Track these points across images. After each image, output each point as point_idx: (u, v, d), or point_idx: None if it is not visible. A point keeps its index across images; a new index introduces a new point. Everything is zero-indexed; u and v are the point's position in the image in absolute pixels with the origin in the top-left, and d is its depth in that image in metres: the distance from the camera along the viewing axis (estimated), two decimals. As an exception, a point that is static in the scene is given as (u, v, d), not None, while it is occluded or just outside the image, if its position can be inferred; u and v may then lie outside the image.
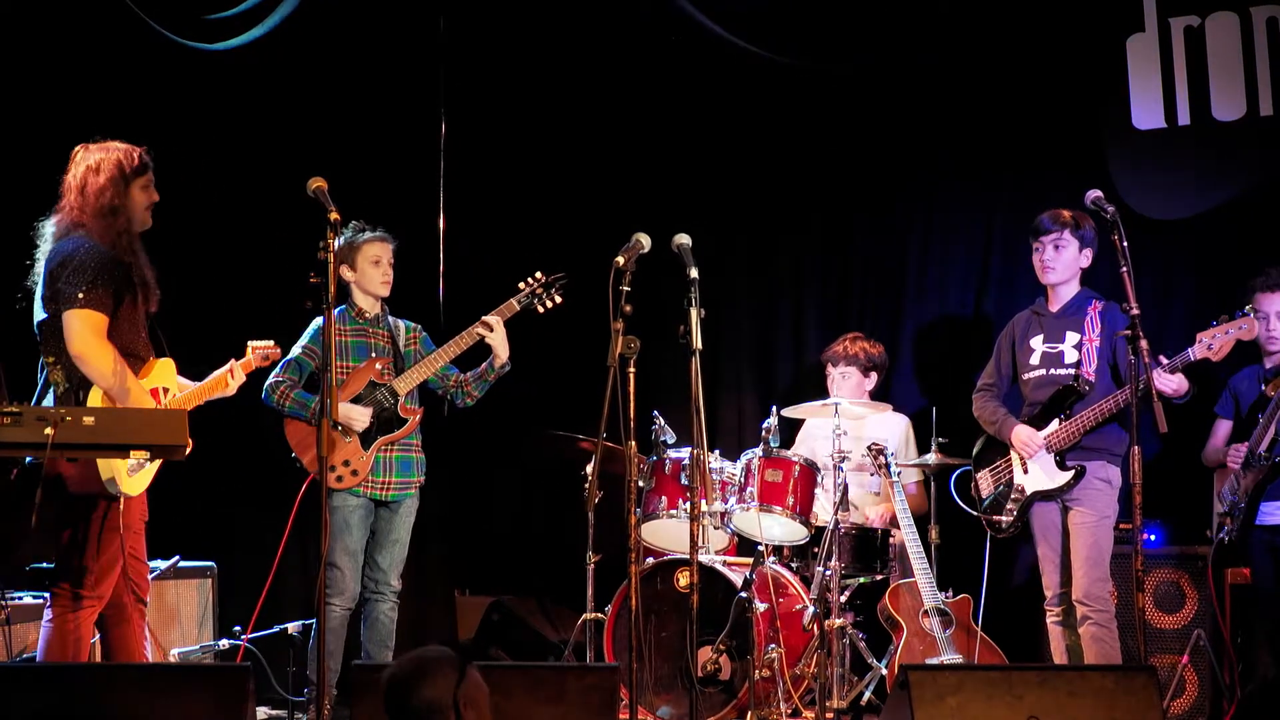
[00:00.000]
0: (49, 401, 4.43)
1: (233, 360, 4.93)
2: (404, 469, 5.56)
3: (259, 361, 5.03)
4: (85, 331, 4.29)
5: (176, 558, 5.63)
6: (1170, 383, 5.15)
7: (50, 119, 5.86)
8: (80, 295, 4.29)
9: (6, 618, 4.90)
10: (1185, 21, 6.24)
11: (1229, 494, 5.47)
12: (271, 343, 5.14)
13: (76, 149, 4.56)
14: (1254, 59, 6.14)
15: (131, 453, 4.07)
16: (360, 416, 5.41)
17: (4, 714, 3.70)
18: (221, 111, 6.44)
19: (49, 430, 3.84)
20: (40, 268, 4.46)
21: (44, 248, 4.48)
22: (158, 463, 4.46)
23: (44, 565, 5.17)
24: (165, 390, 4.58)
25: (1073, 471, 5.40)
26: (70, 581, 4.37)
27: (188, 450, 4.48)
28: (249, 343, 5.10)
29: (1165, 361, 5.17)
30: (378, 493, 5.51)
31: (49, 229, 4.49)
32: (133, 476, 4.39)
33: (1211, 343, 5.17)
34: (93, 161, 4.50)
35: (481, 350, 5.63)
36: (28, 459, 4.32)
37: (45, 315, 4.41)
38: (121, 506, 4.37)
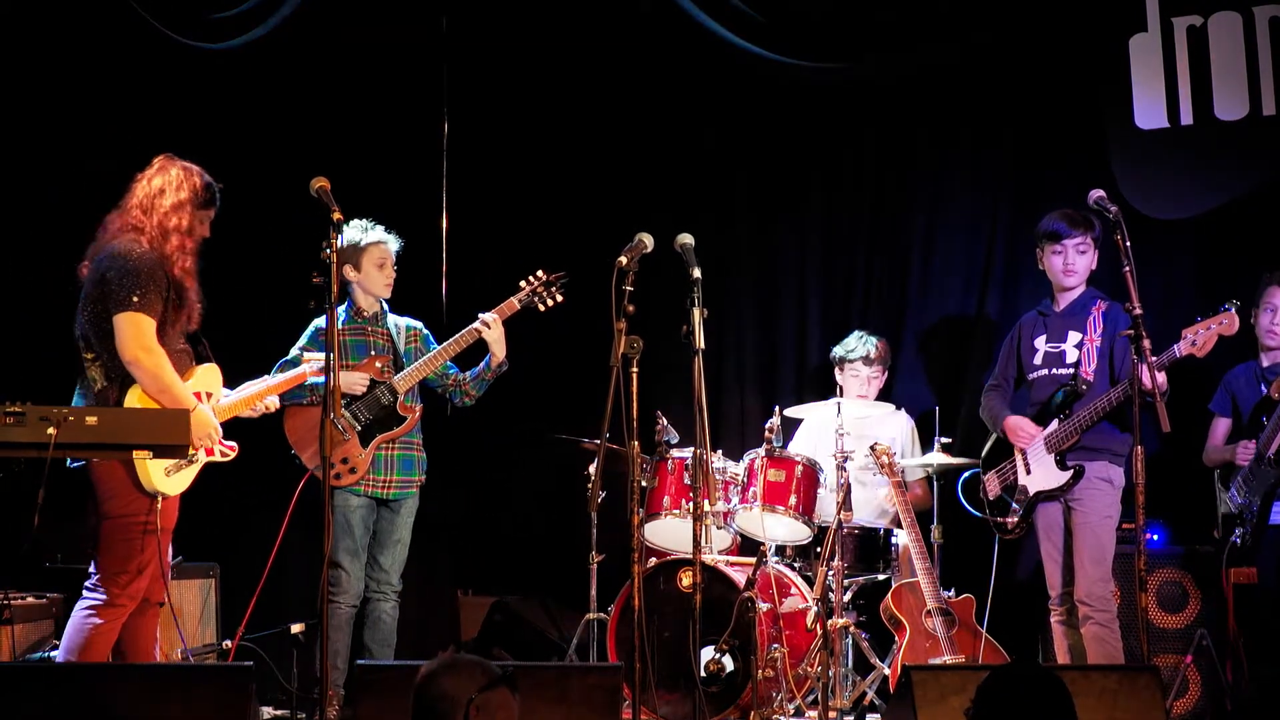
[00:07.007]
0: (80, 398, 4.45)
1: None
2: (405, 468, 5.57)
3: (314, 374, 5.15)
4: (139, 335, 4.32)
5: (179, 558, 5.63)
6: (1157, 381, 5.02)
7: (51, 119, 5.86)
8: (135, 299, 4.33)
9: (10, 617, 4.90)
10: (1188, 21, 6.23)
11: (1238, 495, 5.46)
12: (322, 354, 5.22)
13: (159, 157, 4.59)
14: (1256, 58, 6.13)
15: (134, 452, 4.08)
16: (359, 380, 5.44)
17: (7, 712, 3.71)
18: (223, 111, 6.43)
19: (51, 430, 3.85)
20: (91, 265, 4.47)
21: (97, 243, 4.48)
22: (199, 465, 4.51)
23: (47, 566, 5.18)
24: (209, 395, 4.61)
25: (1072, 471, 5.40)
26: (104, 582, 4.38)
27: (234, 454, 4.53)
28: (303, 353, 5.28)
29: (1152, 360, 5.13)
30: (379, 491, 5.52)
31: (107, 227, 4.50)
32: (170, 477, 4.41)
33: (1195, 339, 5.17)
34: (173, 176, 4.55)
35: (481, 348, 5.63)
36: (69, 462, 4.34)
37: (91, 312, 4.41)
38: (159, 507, 4.38)
